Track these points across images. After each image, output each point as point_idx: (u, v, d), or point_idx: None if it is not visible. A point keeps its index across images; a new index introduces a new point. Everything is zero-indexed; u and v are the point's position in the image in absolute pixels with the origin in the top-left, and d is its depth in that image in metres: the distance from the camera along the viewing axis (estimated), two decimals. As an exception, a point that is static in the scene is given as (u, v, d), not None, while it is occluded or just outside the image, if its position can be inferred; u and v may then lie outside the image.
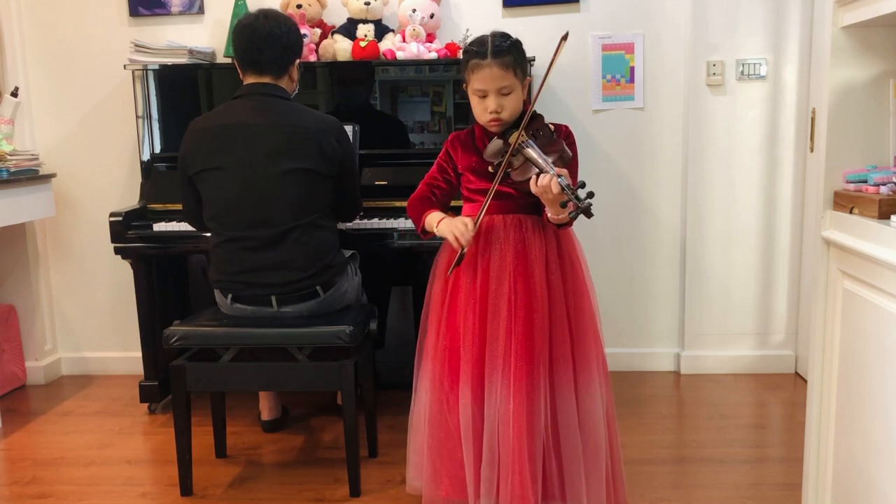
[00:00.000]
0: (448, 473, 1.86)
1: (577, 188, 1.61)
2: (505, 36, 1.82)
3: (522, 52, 1.84)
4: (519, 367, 1.77)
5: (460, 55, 2.83)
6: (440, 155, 1.95)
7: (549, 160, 1.69)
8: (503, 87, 1.79)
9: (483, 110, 1.82)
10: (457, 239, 1.77)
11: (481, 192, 1.86)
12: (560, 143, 1.77)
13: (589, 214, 1.59)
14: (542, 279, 1.81)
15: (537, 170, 1.70)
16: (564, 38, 1.74)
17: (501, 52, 1.78)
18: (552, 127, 1.82)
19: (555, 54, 1.73)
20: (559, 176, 1.63)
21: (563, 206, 1.64)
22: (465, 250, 1.79)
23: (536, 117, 1.81)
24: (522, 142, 1.75)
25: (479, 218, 1.80)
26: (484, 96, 1.81)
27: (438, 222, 1.85)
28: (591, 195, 1.60)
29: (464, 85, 1.88)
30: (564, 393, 1.81)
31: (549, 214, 1.76)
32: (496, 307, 1.80)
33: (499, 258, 1.82)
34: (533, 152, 1.72)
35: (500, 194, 1.85)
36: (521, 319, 1.78)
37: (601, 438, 1.83)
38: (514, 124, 1.82)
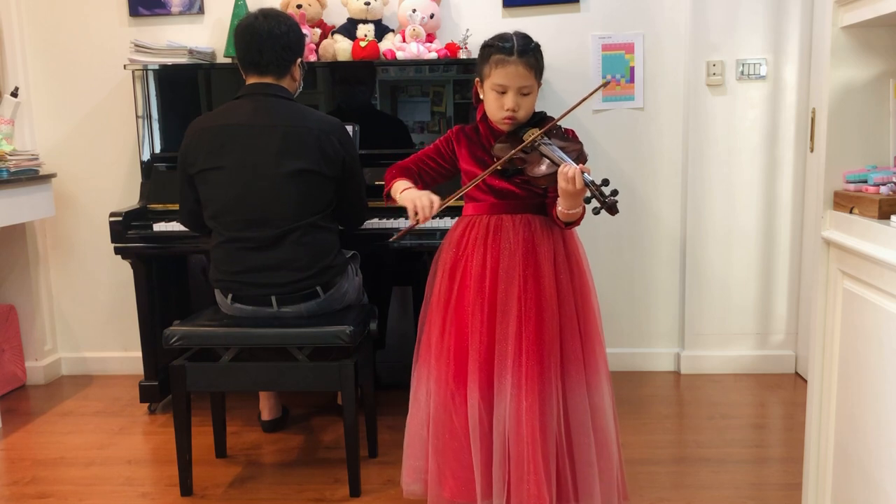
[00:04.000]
0: (453, 474, 1.85)
1: (602, 185, 1.60)
2: (528, 37, 1.83)
3: (542, 56, 1.85)
4: (530, 366, 1.76)
5: (460, 55, 2.85)
6: (440, 139, 1.95)
7: (569, 157, 1.70)
8: (524, 86, 1.79)
9: (499, 107, 1.81)
10: (416, 212, 1.79)
11: (488, 190, 1.86)
12: (577, 143, 1.77)
13: (614, 211, 1.57)
14: (551, 279, 1.81)
15: (551, 164, 1.69)
16: (604, 84, 1.83)
17: (527, 52, 1.79)
18: (563, 130, 1.83)
19: (589, 95, 1.79)
20: (584, 172, 1.63)
21: (587, 201, 1.63)
22: (418, 225, 1.81)
23: (554, 124, 1.81)
24: (538, 139, 1.75)
25: (446, 202, 1.80)
26: (503, 92, 1.80)
27: (403, 190, 1.86)
28: (615, 192, 1.59)
29: (476, 80, 1.87)
30: (576, 392, 1.81)
31: (561, 209, 1.74)
32: (506, 307, 1.80)
33: (508, 258, 1.81)
34: (550, 149, 1.72)
35: (508, 194, 1.85)
36: (532, 319, 1.78)
37: (612, 437, 1.84)
38: (524, 125, 1.82)
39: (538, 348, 1.77)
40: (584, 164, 1.70)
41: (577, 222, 1.80)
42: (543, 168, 1.72)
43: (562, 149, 1.73)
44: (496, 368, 1.79)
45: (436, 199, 1.81)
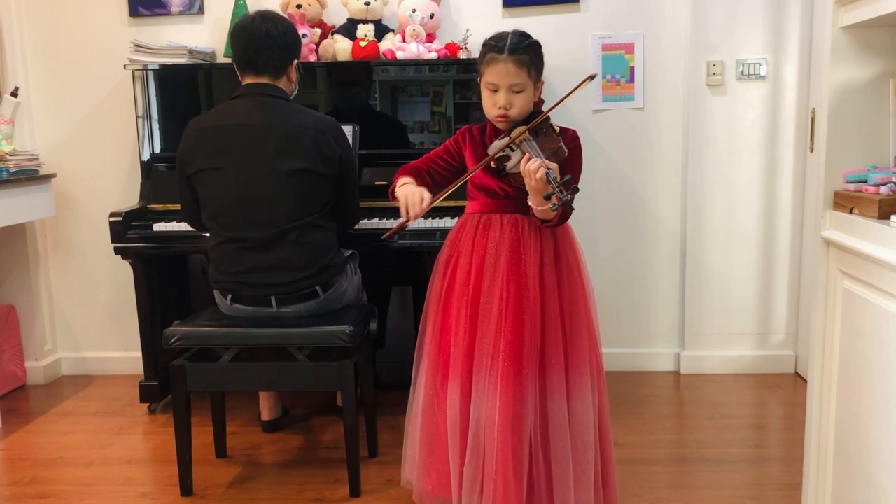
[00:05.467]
0: (436, 469, 1.87)
1: (562, 182, 1.62)
2: (524, 35, 1.83)
3: (540, 53, 1.85)
4: (507, 367, 1.76)
5: (460, 55, 2.85)
6: (450, 139, 1.97)
7: (543, 154, 1.71)
8: (515, 84, 1.79)
9: (492, 105, 1.82)
10: (406, 209, 1.81)
11: (483, 189, 1.87)
12: (558, 140, 1.77)
13: (569, 209, 1.62)
14: (535, 280, 1.81)
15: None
16: (591, 77, 1.80)
17: (518, 50, 1.78)
18: (557, 129, 1.83)
19: (574, 88, 1.78)
20: (548, 168, 1.64)
21: (547, 198, 1.65)
22: (410, 223, 1.83)
23: (545, 120, 1.82)
24: (523, 138, 1.76)
25: (438, 197, 1.82)
26: (495, 90, 1.81)
27: (401, 185, 1.88)
28: (574, 190, 1.62)
29: (478, 78, 1.88)
30: (555, 396, 1.80)
31: (531, 204, 1.76)
32: (487, 306, 1.81)
33: (493, 257, 1.82)
34: (530, 147, 1.74)
35: (500, 193, 1.86)
36: (511, 320, 1.78)
37: (591, 443, 1.83)
38: (521, 123, 1.83)
39: (516, 349, 1.77)
40: (561, 160, 1.73)
41: (553, 221, 1.79)
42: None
43: (541, 144, 1.74)
44: (475, 367, 1.80)
45: (427, 196, 1.82)
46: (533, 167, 1.65)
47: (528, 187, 1.72)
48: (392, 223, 2.59)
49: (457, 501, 1.82)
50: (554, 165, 1.67)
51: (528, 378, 1.77)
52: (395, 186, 1.93)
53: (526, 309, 1.79)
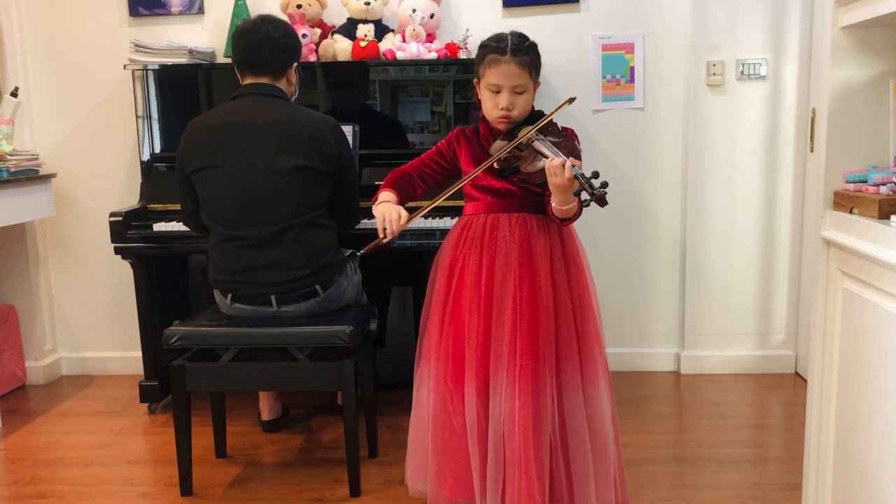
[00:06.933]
0: (452, 473, 1.86)
1: (591, 177, 1.62)
2: (524, 36, 1.84)
3: (539, 54, 1.85)
4: (524, 365, 1.77)
5: (460, 55, 2.85)
6: (442, 141, 1.97)
7: (561, 152, 1.71)
8: (518, 85, 1.80)
9: (494, 106, 1.82)
10: (384, 226, 1.82)
11: (486, 190, 1.87)
12: (571, 139, 1.79)
13: (603, 203, 1.61)
14: (547, 278, 1.81)
15: (545, 160, 1.71)
16: (570, 100, 1.78)
17: (520, 51, 1.79)
18: (560, 127, 1.83)
19: (555, 110, 1.78)
20: (573, 165, 1.64)
21: (577, 194, 1.65)
22: (387, 241, 1.83)
23: (551, 120, 1.82)
24: (532, 137, 1.75)
25: (416, 215, 1.82)
26: (497, 92, 1.81)
27: (381, 202, 1.88)
28: (605, 185, 1.61)
29: (475, 80, 1.88)
30: (571, 391, 1.81)
31: (554, 204, 1.75)
32: (501, 305, 1.80)
33: (504, 257, 1.82)
34: (543, 146, 1.74)
35: (505, 193, 1.85)
36: (527, 318, 1.78)
37: (608, 437, 1.84)
38: (522, 124, 1.83)
39: (532, 347, 1.77)
40: (577, 158, 1.72)
41: (572, 219, 1.81)
42: (538, 165, 1.74)
43: (555, 145, 1.74)
44: (491, 367, 1.80)
45: (405, 213, 1.83)
46: (557, 164, 1.65)
47: (552, 186, 1.70)
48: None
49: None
50: (578, 162, 1.67)
51: (545, 376, 1.78)
52: (376, 199, 1.93)
53: (541, 307, 1.79)
